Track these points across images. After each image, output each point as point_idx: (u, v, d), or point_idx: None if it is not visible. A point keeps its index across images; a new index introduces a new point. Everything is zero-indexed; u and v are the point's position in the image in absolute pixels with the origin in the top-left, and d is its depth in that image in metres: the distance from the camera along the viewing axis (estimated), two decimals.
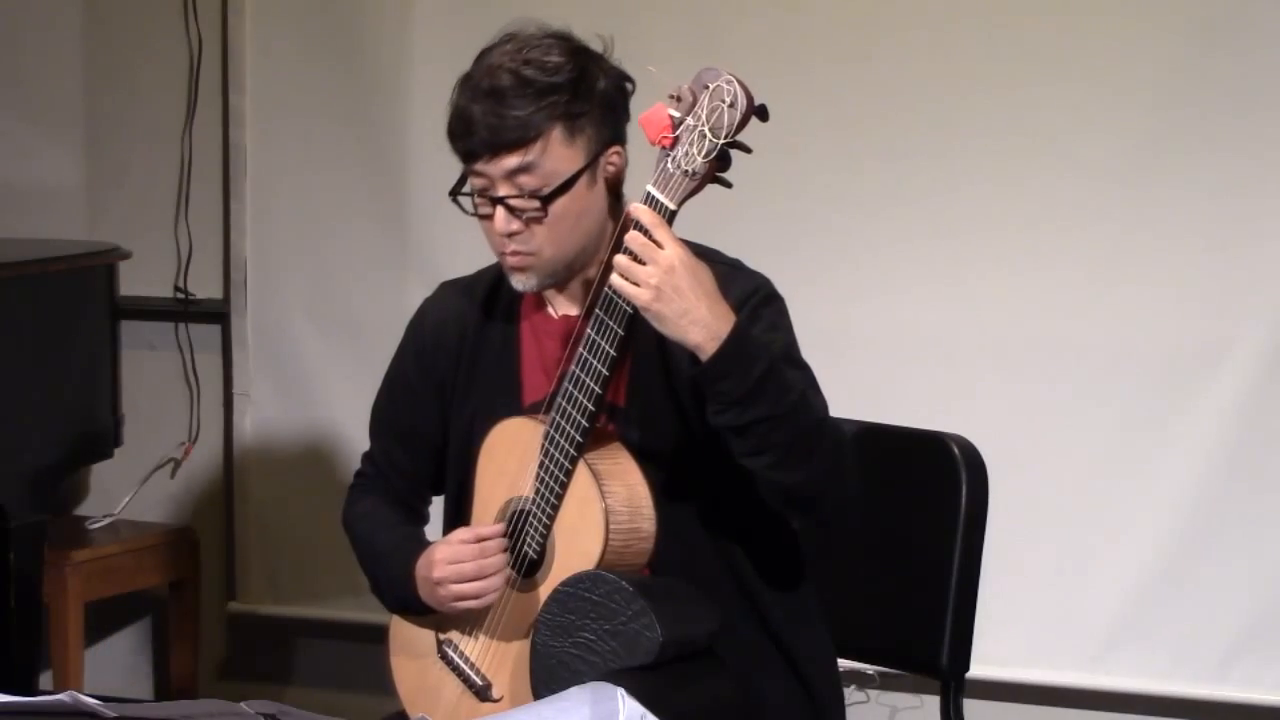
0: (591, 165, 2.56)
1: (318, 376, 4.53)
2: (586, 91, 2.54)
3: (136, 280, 4.47)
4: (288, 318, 4.56)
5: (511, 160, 2.52)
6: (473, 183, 2.58)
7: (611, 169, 2.59)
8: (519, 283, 2.61)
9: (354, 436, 4.36)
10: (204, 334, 4.71)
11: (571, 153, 2.54)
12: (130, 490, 4.64)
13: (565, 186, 2.54)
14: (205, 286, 4.68)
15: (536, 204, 2.53)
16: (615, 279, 2.40)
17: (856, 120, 4.02)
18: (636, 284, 2.39)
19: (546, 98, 2.52)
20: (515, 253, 2.57)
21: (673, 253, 2.38)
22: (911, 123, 3.99)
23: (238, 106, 4.55)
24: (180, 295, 4.70)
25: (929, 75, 3.97)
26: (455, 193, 2.61)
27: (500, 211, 2.55)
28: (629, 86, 2.61)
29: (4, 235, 4.55)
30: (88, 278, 4.14)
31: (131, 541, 4.52)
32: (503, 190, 2.55)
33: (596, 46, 2.61)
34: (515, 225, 2.55)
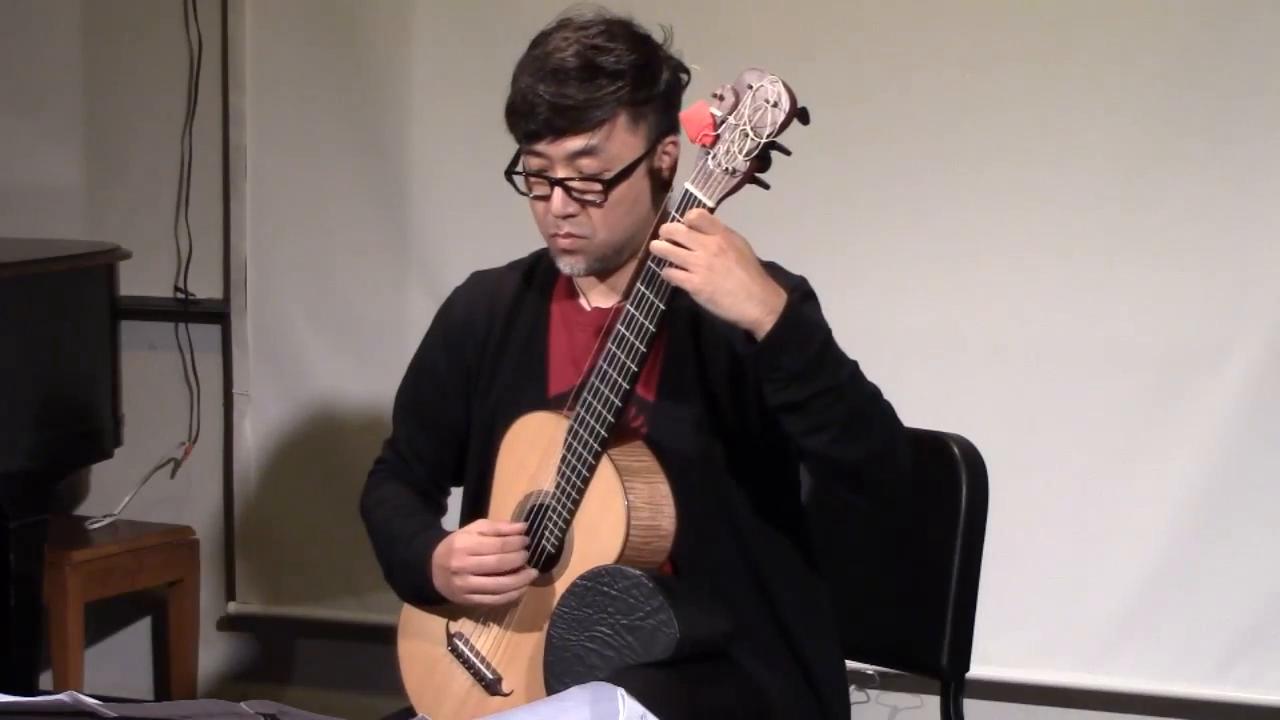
0: (650, 154, 2.57)
1: (318, 376, 4.53)
2: (651, 80, 2.56)
3: (136, 280, 4.47)
4: (288, 318, 4.55)
5: (576, 143, 2.53)
6: (529, 163, 2.59)
7: (667, 159, 2.60)
8: (567, 265, 2.62)
9: (354, 436, 4.36)
10: (204, 334, 4.71)
11: (634, 140, 2.56)
12: (130, 490, 4.64)
13: (626, 173, 2.55)
14: (205, 286, 4.68)
15: (597, 188, 2.54)
16: (667, 270, 2.40)
17: (855, 118, 4.00)
18: (686, 269, 2.38)
19: (614, 83, 2.53)
20: (568, 235, 2.58)
21: (719, 234, 2.39)
22: (911, 120, 3.99)
23: (238, 106, 4.55)
24: (180, 295, 4.69)
25: (928, 72, 3.97)
26: (510, 172, 2.60)
27: (558, 193, 2.56)
28: (685, 78, 2.62)
29: (4, 235, 4.54)
30: (88, 278, 4.14)
31: (131, 541, 4.52)
32: (562, 172, 2.56)
33: (657, 36, 2.61)
34: (572, 208, 2.56)
